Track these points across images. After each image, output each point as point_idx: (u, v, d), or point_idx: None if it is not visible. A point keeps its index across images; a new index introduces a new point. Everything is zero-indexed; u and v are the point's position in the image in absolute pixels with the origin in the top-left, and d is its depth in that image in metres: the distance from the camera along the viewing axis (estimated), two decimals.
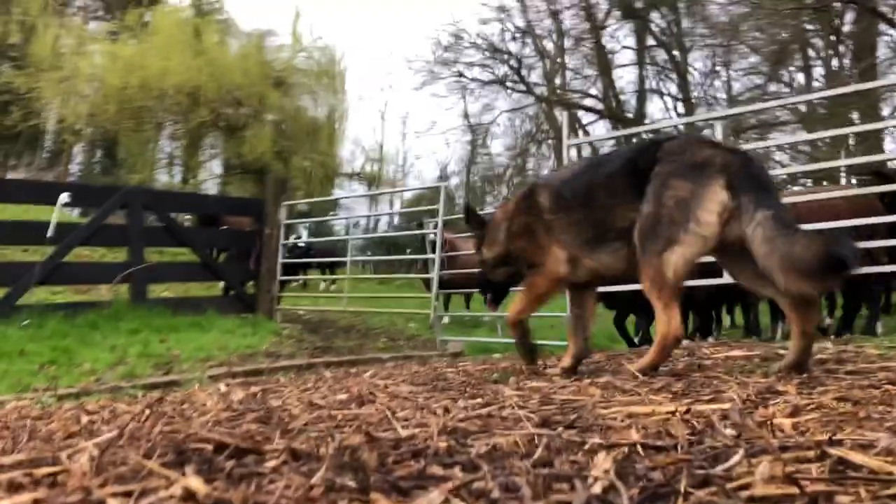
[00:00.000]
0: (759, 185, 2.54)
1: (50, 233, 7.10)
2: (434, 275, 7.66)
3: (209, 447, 1.44)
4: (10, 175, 23.26)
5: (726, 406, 1.75)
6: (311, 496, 1.07)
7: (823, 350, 3.64)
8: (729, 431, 1.41)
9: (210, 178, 27.06)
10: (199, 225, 12.56)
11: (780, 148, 16.79)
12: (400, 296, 11.01)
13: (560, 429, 1.61)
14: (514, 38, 25.77)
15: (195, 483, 1.10)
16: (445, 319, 10.85)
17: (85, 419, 2.39)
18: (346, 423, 1.91)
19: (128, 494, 1.07)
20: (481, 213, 3.95)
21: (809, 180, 15.15)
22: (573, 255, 3.04)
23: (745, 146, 13.03)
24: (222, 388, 3.66)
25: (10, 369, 5.03)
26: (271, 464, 1.31)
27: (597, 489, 0.99)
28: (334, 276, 14.78)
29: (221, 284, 9.40)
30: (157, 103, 21.84)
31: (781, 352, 3.42)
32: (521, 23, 25.65)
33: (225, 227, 11.58)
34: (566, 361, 3.15)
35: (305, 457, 1.34)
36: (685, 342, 4.00)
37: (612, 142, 23.79)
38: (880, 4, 16.36)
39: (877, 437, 1.22)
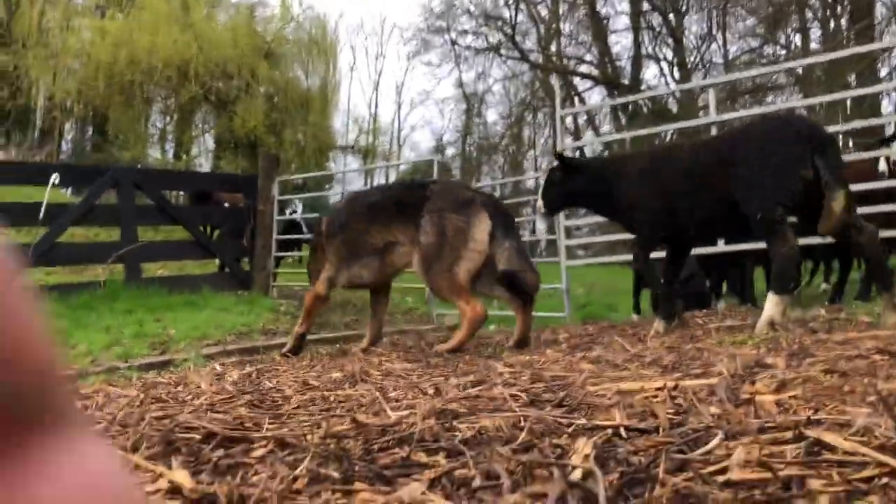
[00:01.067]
0: (507, 222, 3.68)
1: (42, 214, 7.08)
2: None
3: (197, 436, 1.45)
4: (2, 155, 23.06)
5: (714, 381, 1.77)
6: (295, 487, 1.08)
7: (817, 318, 3.66)
8: (713, 410, 1.42)
9: (202, 154, 26.92)
10: (192, 203, 12.50)
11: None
12: None
13: (547, 408, 1.63)
14: (507, 4, 25.49)
15: (181, 477, 1.11)
16: None
17: (79, 405, 2.40)
18: (338, 405, 1.93)
19: None
20: None
21: None
22: (336, 273, 3.98)
23: (739, 112, 13.00)
24: (218, 368, 3.69)
25: None
26: (258, 453, 1.32)
27: (576, 476, 1.00)
28: None
29: (217, 261, 9.43)
30: (147, 79, 21.60)
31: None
32: None
33: (219, 203, 11.52)
34: (364, 344, 4.12)
35: (292, 446, 1.35)
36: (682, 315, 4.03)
37: (605, 110, 23.75)
38: None
39: (856, 414, 1.23)
